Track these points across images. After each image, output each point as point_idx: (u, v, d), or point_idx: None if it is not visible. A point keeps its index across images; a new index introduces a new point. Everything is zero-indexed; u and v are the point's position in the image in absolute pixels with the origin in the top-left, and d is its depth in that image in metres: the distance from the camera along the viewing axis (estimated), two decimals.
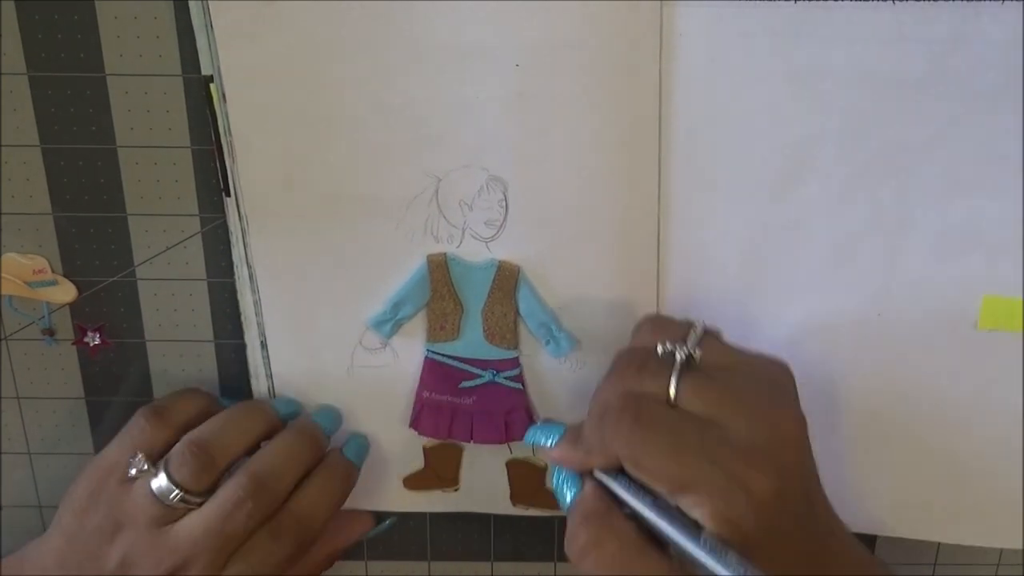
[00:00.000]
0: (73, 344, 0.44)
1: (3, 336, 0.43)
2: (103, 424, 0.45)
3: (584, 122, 0.38)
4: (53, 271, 0.42)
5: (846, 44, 0.37)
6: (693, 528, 0.32)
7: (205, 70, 0.38)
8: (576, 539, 0.35)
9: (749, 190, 0.39)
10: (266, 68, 0.38)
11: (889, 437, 0.42)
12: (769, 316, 0.41)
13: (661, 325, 0.38)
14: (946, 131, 0.38)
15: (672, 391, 0.34)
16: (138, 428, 0.40)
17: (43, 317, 0.43)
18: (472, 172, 0.39)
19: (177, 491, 0.38)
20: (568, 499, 0.36)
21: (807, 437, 0.35)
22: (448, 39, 0.37)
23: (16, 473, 0.46)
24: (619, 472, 0.35)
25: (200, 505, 0.38)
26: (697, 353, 0.35)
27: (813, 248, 0.40)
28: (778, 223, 0.40)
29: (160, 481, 0.38)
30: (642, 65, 0.37)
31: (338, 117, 0.38)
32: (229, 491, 0.38)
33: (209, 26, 0.37)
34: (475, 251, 0.40)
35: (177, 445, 0.39)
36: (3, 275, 0.42)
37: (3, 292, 0.42)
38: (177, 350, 0.44)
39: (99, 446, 0.46)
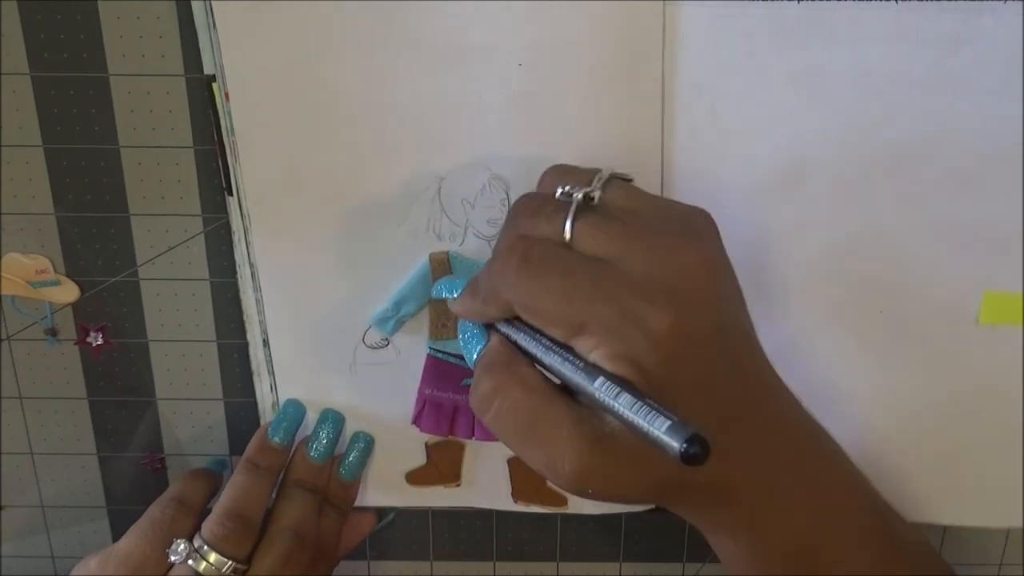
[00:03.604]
0: (76, 344, 0.44)
1: (6, 336, 0.44)
2: (105, 424, 0.45)
3: (586, 122, 0.38)
4: (56, 271, 0.42)
5: (848, 44, 0.37)
6: (592, 371, 0.30)
7: (208, 69, 0.38)
8: (478, 389, 0.33)
9: (752, 189, 0.39)
10: (269, 67, 0.38)
11: (892, 429, 0.43)
12: (771, 314, 0.41)
13: (564, 172, 0.35)
14: (948, 131, 0.38)
15: (567, 232, 0.32)
16: (167, 519, 0.41)
17: (45, 317, 0.43)
18: (474, 171, 0.39)
19: (229, 562, 0.39)
20: (474, 355, 0.35)
21: (719, 274, 0.32)
22: (451, 39, 0.37)
23: (18, 473, 0.46)
24: (518, 320, 0.34)
25: (245, 572, 0.40)
26: (597, 194, 0.33)
27: (816, 246, 0.40)
28: (781, 222, 0.40)
29: (209, 558, 0.39)
30: (645, 65, 0.37)
31: (340, 116, 0.38)
32: (275, 549, 0.40)
33: (212, 25, 0.37)
34: (477, 249, 0.40)
35: (209, 523, 0.40)
36: (6, 275, 0.42)
37: (6, 292, 0.42)
38: (179, 350, 0.44)
39: (101, 446, 0.46)
